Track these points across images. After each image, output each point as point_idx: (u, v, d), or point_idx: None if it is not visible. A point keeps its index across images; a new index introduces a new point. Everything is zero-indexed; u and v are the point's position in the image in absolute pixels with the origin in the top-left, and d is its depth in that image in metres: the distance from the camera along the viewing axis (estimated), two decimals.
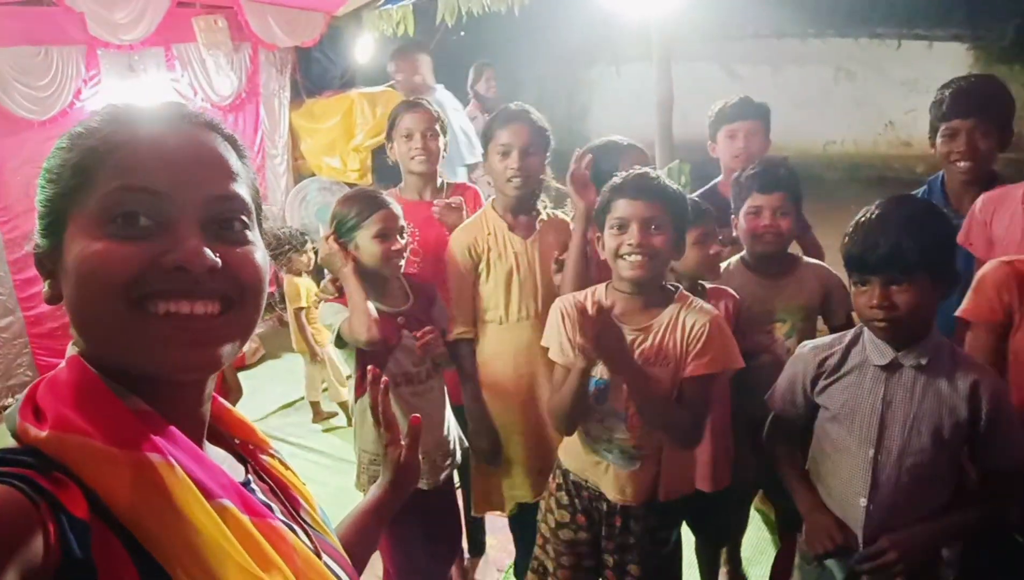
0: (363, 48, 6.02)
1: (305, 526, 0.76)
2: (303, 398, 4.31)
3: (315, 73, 6.03)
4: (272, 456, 0.82)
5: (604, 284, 1.85)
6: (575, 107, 11.01)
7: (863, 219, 1.56)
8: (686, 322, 1.74)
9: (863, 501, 1.58)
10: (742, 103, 2.66)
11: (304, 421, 4.14)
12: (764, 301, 2.16)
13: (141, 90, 4.88)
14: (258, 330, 3.70)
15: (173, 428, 0.63)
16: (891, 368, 1.57)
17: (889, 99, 9.37)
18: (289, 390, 4.46)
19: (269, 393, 4.49)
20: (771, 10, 8.71)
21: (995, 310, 1.67)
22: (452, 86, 5.10)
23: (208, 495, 0.60)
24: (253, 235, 0.69)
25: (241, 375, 4.38)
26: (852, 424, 1.61)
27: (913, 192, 2.32)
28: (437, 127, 2.53)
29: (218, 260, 0.63)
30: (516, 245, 2.23)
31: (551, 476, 1.98)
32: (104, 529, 0.55)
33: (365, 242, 2.03)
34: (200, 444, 0.69)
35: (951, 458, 1.57)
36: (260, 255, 0.69)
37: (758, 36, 9.90)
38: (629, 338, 1.74)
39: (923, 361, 1.54)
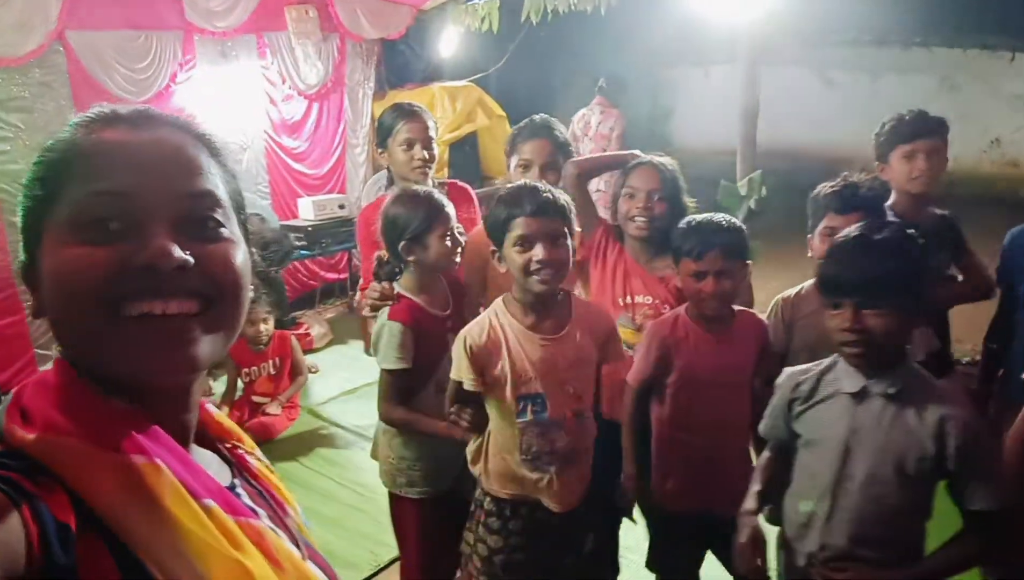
0: (447, 42, 6.06)
1: (291, 531, 0.75)
2: (366, 385, 4.38)
3: (399, 65, 6.11)
4: (260, 460, 0.81)
5: (501, 300, 1.85)
6: (658, 109, 10.83)
7: (840, 242, 1.59)
8: (594, 323, 1.87)
9: (816, 523, 1.58)
10: (920, 119, 2.38)
11: (363, 409, 4.20)
12: None
13: (232, 76, 5.04)
14: (328, 315, 3.81)
15: (158, 429, 0.63)
16: (861, 396, 1.54)
17: (997, 115, 8.83)
18: (353, 376, 4.53)
19: (332, 378, 4.58)
20: (873, 16, 8.33)
21: None
22: (534, 84, 5.07)
23: (193, 496, 0.60)
24: (229, 232, 0.68)
25: (307, 359, 4.50)
26: (819, 450, 1.60)
27: None
28: (432, 134, 2.51)
29: (188, 257, 0.63)
30: None
31: (473, 506, 1.94)
32: (89, 533, 0.55)
33: (436, 243, 2.02)
34: (186, 448, 0.69)
35: (919, 493, 1.52)
36: (238, 252, 0.68)
37: (857, 43, 9.49)
38: (545, 346, 1.78)
39: (892, 390, 1.51)
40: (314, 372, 4.62)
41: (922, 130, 2.32)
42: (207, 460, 0.73)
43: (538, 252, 1.72)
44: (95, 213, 0.62)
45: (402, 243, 2.02)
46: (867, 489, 1.52)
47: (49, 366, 0.66)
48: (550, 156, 2.21)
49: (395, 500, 2.16)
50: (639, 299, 2.21)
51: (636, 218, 2.17)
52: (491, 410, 1.85)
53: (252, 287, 0.71)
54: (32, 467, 0.56)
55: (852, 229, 1.60)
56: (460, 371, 1.83)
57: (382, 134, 2.55)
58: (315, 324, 5.21)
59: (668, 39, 8.35)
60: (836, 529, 1.55)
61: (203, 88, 4.86)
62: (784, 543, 1.71)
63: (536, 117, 2.31)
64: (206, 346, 0.66)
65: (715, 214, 2.05)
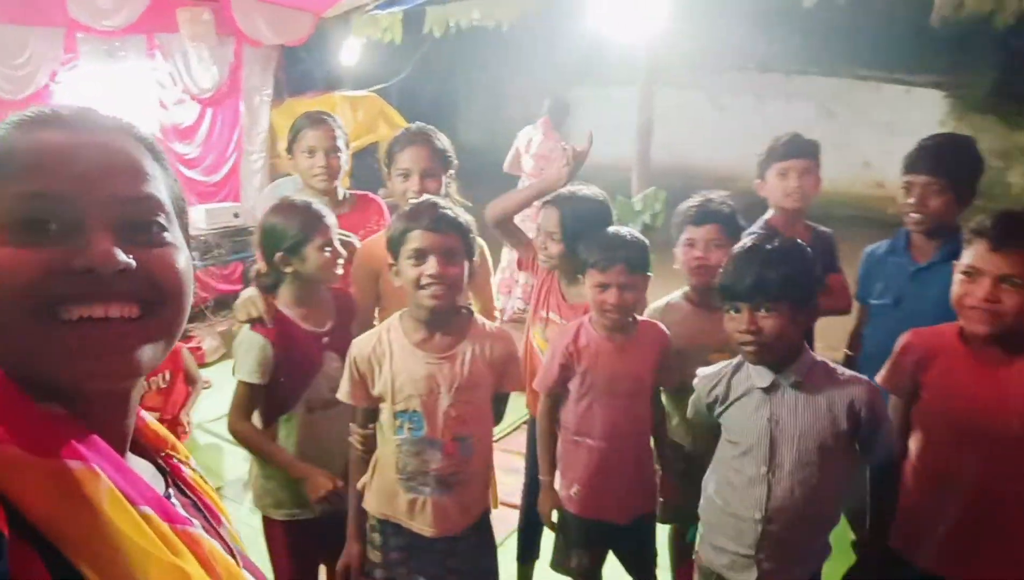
0: (349, 51, 6.00)
1: (225, 541, 0.74)
2: None
3: (299, 73, 6.01)
4: (194, 470, 0.80)
5: (398, 314, 1.86)
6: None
7: (735, 252, 1.73)
8: (490, 347, 1.85)
9: (757, 515, 1.68)
10: (794, 141, 2.52)
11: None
12: (706, 333, 2.12)
13: (120, 76, 4.81)
14: (221, 328, 3.63)
15: (94, 436, 0.61)
16: (772, 389, 1.69)
17: (867, 140, 9.55)
18: None
19: (227, 391, 4.40)
20: (758, 44, 8.86)
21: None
22: (436, 96, 5.10)
23: (130, 502, 0.58)
24: (172, 237, 0.67)
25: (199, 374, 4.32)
26: (746, 445, 1.72)
27: (881, 241, 2.38)
28: (340, 143, 2.50)
29: (131, 261, 0.62)
30: None
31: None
32: (19, 540, 0.53)
33: (313, 254, 1.97)
34: (122, 455, 0.67)
35: (840, 468, 1.67)
36: (180, 257, 0.68)
37: (744, 68, 10.06)
38: (430, 364, 1.78)
39: (800, 378, 1.66)
40: (206, 387, 4.43)
41: (795, 151, 2.48)
42: (142, 468, 0.71)
43: (430, 266, 1.72)
44: (33, 214, 0.60)
45: (278, 254, 1.96)
46: (795, 473, 1.65)
47: None
48: (428, 163, 2.22)
49: (265, 521, 2.07)
50: (552, 317, 2.29)
51: (540, 255, 2.27)
52: (379, 427, 1.85)
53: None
54: None
55: (747, 240, 1.75)
56: (343, 385, 1.83)
57: (289, 139, 2.53)
58: (207, 337, 5.01)
59: (570, 59, 8.57)
60: (776, 518, 1.67)
61: (87, 88, 4.60)
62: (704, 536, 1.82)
63: (412, 126, 2.33)
64: (147, 352, 0.64)
65: (621, 228, 2.14)
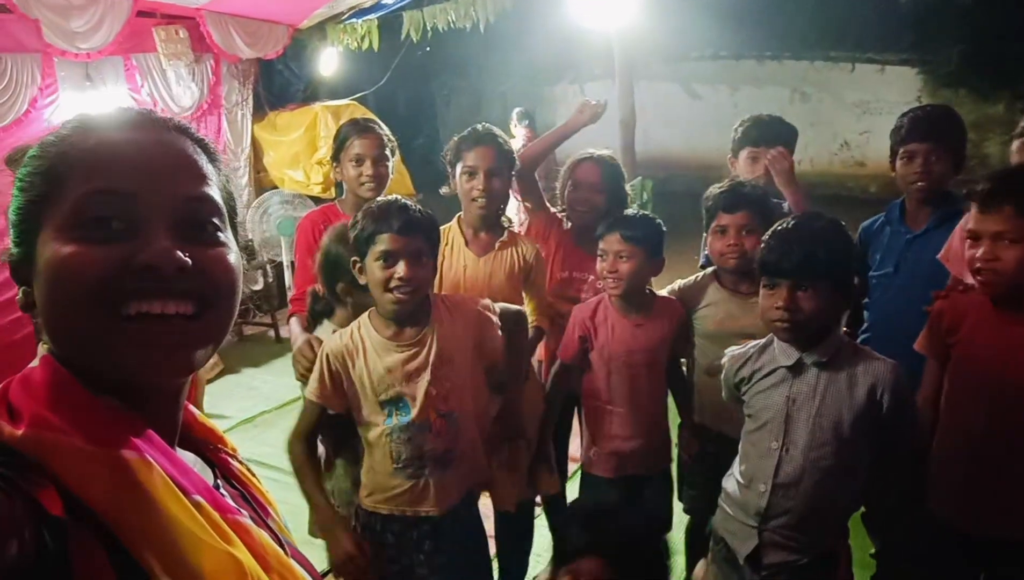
0: (327, 61, 6.00)
1: (273, 532, 0.76)
2: (262, 413, 4.25)
3: (278, 85, 6.00)
4: (241, 463, 0.82)
5: (368, 313, 1.88)
6: (538, 124, 11.11)
7: (779, 229, 1.72)
8: (461, 324, 1.89)
9: (763, 487, 1.71)
10: (769, 126, 2.62)
11: (264, 437, 4.08)
12: (735, 317, 2.18)
13: (99, 100, 4.79)
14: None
15: (148, 427, 0.63)
16: (796, 368, 1.71)
17: (843, 120, 9.66)
18: (248, 405, 4.39)
19: (227, 409, 4.41)
20: (728, 32, 8.94)
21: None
22: (414, 100, 5.13)
23: (182, 492, 0.60)
24: (226, 237, 0.69)
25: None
26: (763, 421, 1.75)
27: (876, 216, 2.43)
28: (387, 152, 2.52)
29: (188, 260, 0.63)
30: (468, 260, 2.29)
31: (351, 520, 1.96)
32: (80, 527, 0.55)
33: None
34: (172, 447, 0.69)
35: (856, 451, 1.68)
36: (234, 257, 0.70)
37: (717, 57, 10.14)
38: (404, 353, 1.80)
39: (824, 359, 1.68)
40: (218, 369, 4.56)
41: (764, 138, 2.57)
42: (191, 461, 0.73)
43: (400, 269, 1.74)
44: (97, 211, 0.62)
45: (340, 285, 1.98)
46: (808, 451, 1.67)
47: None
48: (494, 162, 2.26)
49: None
50: (576, 274, 2.50)
51: (576, 208, 2.48)
52: (361, 431, 1.87)
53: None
54: (21, 463, 0.55)
55: (791, 218, 1.76)
56: (311, 383, 1.85)
57: (336, 148, 2.55)
58: None
59: (547, 58, 8.62)
60: (781, 493, 1.70)
61: (68, 114, 4.58)
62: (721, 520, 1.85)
63: (479, 126, 2.37)
64: (200, 348, 0.66)
65: (635, 210, 2.38)
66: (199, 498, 0.62)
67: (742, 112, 2.87)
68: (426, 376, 1.82)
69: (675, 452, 2.36)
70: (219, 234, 0.69)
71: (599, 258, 2.18)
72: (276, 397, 4.43)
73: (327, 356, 1.83)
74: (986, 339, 1.71)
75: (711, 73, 10.23)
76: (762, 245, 1.74)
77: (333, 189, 5.61)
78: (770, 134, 2.57)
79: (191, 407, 0.78)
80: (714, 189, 2.25)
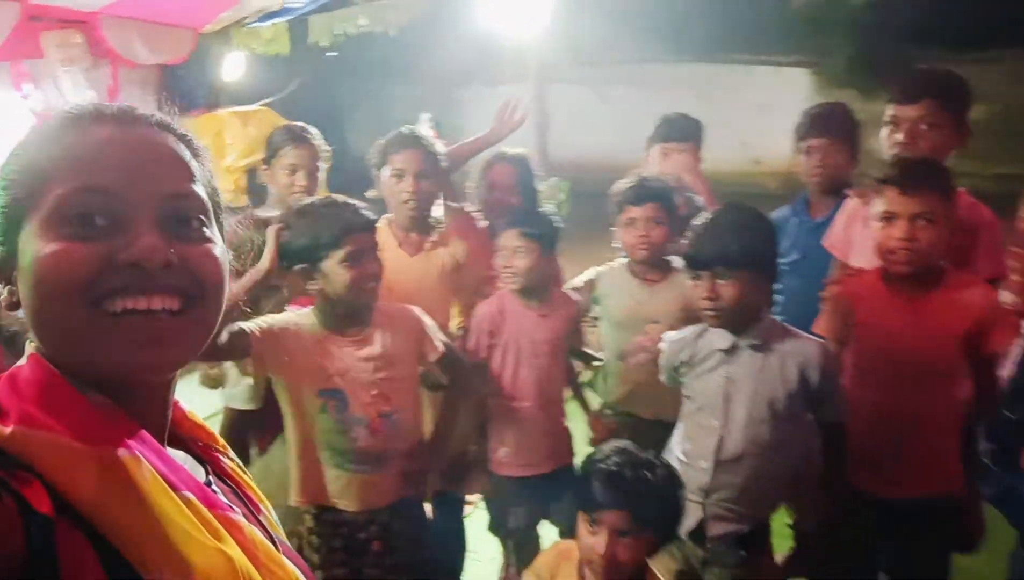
0: (233, 66, 5.85)
1: (265, 529, 0.76)
2: (214, 413, 4.16)
3: (183, 91, 5.80)
4: (232, 460, 0.81)
5: (311, 308, 1.91)
6: (449, 128, 11.13)
7: (699, 223, 1.83)
8: (399, 326, 1.94)
9: (706, 464, 1.80)
10: (677, 124, 2.77)
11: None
12: (644, 304, 2.30)
13: None
14: None
15: (135, 424, 0.63)
16: (732, 351, 1.80)
17: (744, 120, 10.08)
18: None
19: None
20: (635, 37, 9.21)
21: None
22: (324, 105, 5.08)
23: (172, 488, 0.61)
24: (211, 233, 0.70)
25: None
26: (703, 402, 1.84)
27: (783, 206, 2.59)
28: (319, 162, 2.54)
29: (173, 256, 0.63)
30: (400, 260, 2.29)
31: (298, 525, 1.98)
32: (68, 525, 0.55)
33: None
34: (161, 444, 0.69)
35: (791, 425, 1.80)
36: (220, 252, 0.70)
37: (624, 61, 10.42)
38: (342, 348, 1.86)
39: (757, 341, 1.78)
40: None
41: (673, 133, 2.74)
42: (181, 458, 0.73)
43: (371, 267, 1.81)
44: (81, 209, 0.62)
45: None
46: (746, 428, 1.77)
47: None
48: (423, 165, 2.30)
49: None
50: (495, 274, 2.53)
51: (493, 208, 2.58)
52: (289, 420, 1.86)
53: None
54: (8, 461, 0.55)
55: (711, 212, 1.86)
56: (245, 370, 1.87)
57: (268, 153, 2.52)
58: None
59: (458, 61, 8.64)
60: (724, 469, 1.80)
61: None
62: None
63: (404, 129, 2.39)
64: (186, 344, 0.66)
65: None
66: (189, 494, 0.62)
67: (652, 114, 3.00)
68: (368, 374, 1.84)
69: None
70: (204, 230, 0.69)
71: (499, 254, 2.26)
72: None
73: (259, 327, 1.79)
74: (884, 317, 1.86)
75: (620, 77, 10.51)
76: (686, 239, 1.83)
77: (244, 196, 5.47)
78: (679, 131, 2.71)
79: (181, 404, 0.77)
80: (621, 184, 2.35)
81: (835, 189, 2.43)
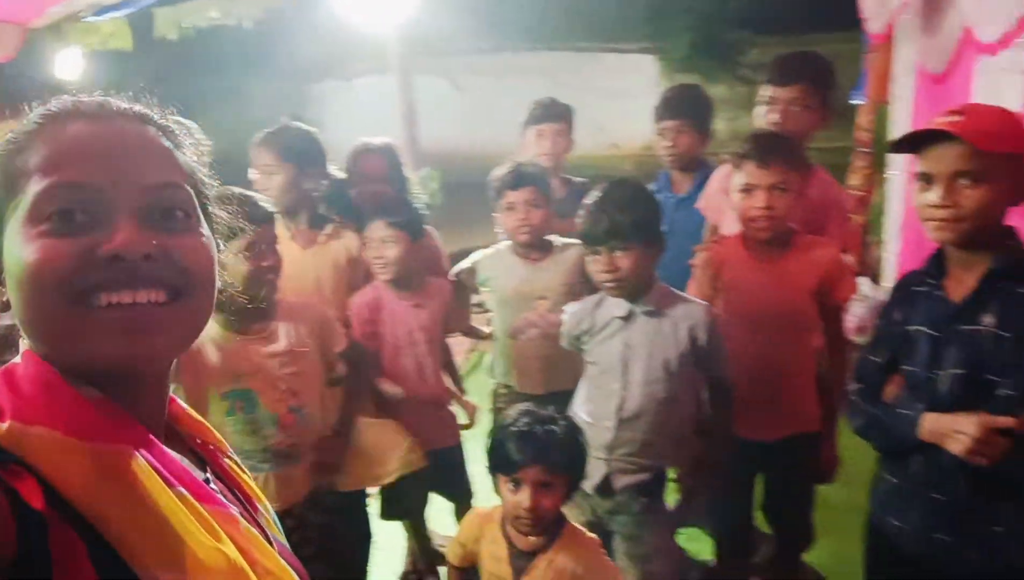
0: (68, 63, 5.45)
1: (262, 528, 0.75)
2: None
3: (12, 91, 5.32)
4: (231, 459, 0.81)
5: None
6: (307, 122, 10.82)
7: (590, 200, 1.93)
8: (303, 319, 1.96)
9: (610, 423, 1.93)
10: (549, 106, 2.85)
11: None
12: (530, 282, 2.39)
13: None
14: None
15: (130, 418, 0.63)
16: (629, 318, 1.93)
17: (597, 106, 10.50)
18: None
19: None
20: (487, 27, 9.36)
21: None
22: (174, 102, 4.85)
23: (166, 483, 0.60)
24: (195, 223, 0.69)
25: None
26: (604, 366, 1.96)
27: (650, 183, 2.78)
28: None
29: (155, 246, 0.63)
30: (293, 253, 2.29)
31: None
32: (60, 521, 0.54)
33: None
34: (158, 439, 0.68)
35: (684, 381, 1.95)
36: (204, 243, 0.69)
37: (479, 51, 10.57)
38: (244, 345, 1.85)
39: (651, 307, 1.92)
40: None
41: (548, 115, 2.83)
42: (179, 455, 0.71)
43: (271, 259, 1.81)
44: (60, 204, 0.61)
45: None
46: (644, 387, 1.90)
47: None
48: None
49: None
50: None
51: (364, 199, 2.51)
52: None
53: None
54: (2, 456, 0.55)
55: (599, 189, 1.93)
56: None
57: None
58: None
59: (313, 55, 8.45)
60: (625, 426, 1.92)
61: None
62: None
63: (288, 122, 2.44)
64: (175, 335, 0.65)
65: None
66: (184, 490, 0.62)
67: (508, 102, 3.10)
68: (276, 370, 1.83)
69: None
70: (188, 221, 0.68)
71: (368, 246, 2.27)
72: None
73: None
74: (746, 278, 2.06)
75: (476, 66, 10.66)
76: (579, 216, 1.93)
77: None
78: (552, 112, 2.83)
79: (180, 402, 0.77)
80: (498, 170, 2.41)
81: (692, 166, 2.64)
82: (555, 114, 2.85)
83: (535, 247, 2.43)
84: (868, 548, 1.73)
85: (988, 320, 1.42)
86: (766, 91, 2.35)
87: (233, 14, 4.77)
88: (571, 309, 2.07)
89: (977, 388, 1.43)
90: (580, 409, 2.01)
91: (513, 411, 1.72)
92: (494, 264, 2.45)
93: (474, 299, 2.75)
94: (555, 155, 2.81)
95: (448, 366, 2.58)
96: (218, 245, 0.73)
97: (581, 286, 2.38)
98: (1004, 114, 1.49)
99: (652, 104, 2.72)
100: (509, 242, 2.47)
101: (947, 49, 3.11)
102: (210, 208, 0.74)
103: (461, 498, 2.53)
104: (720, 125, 2.72)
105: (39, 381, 0.61)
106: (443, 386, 2.46)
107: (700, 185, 2.58)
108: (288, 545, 0.80)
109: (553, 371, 2.34)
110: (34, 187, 0.62)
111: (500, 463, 1.63)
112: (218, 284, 0.71)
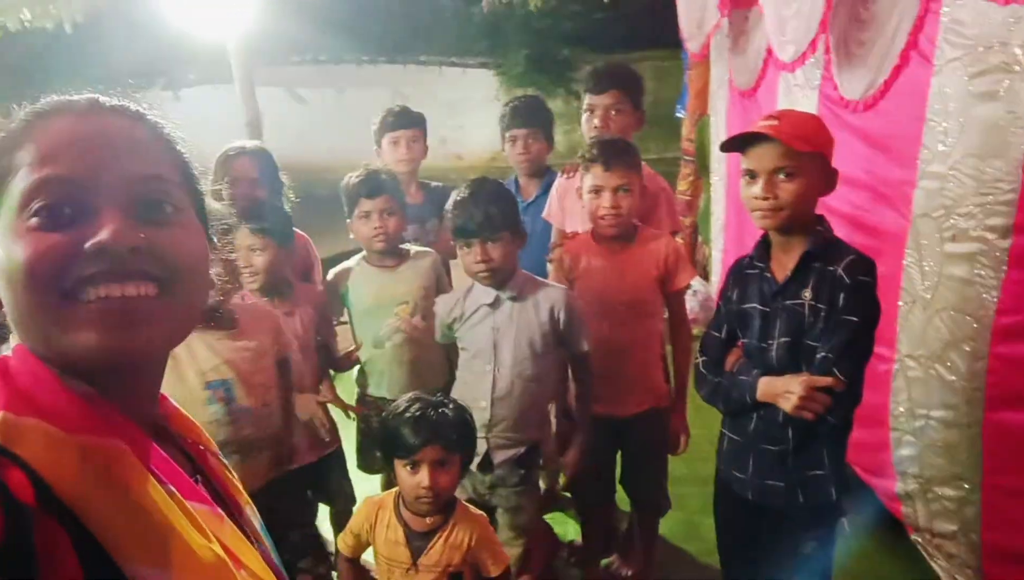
0: None
1: (246, 531, 0.76)
2: None
3: None
4: (219, 460, 0.80)
5: None
6: None
7: (459, 197, 2.04)
8: (263, 326, 2.06)
9: (484, 403, 2.06)
10: (403, 114, 2.92)
11: None
12: (388, 287, 2.44)
13: None
14: None
15: (121, 414, 0.63)
16: (495, 304, 2.08)
17: (440, 118, 10.63)
18: None
19: None
20: (328, 38, 9.26)
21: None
22: None
23: (157, 480, 0.61)
24: (183, 216, 0.69)
25: None
26: (474, 350, 2.11)
27: None
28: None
29: (141, 238, 0.63)
30: None
31: None
32: (46, 515, 0.54)
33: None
34: (148, 437, 0.68)
35: (547, 360, 2.12)
36: (192, 235, 0.69)
37: (317, 62, 10.41)
38: (227, 343, 1.95)
39: (515, 293, 2.07)
40: None
41: (403, 122, 2.91)
42: (168, 453, 0.71)
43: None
44: (47, 199, 0.61)
45: None
46: (513, 367, 2.05)
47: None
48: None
49: None
50: None
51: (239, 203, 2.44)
52: None
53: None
54: None
55: (465, 187, 2.05)
56: None
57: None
58: None
59: (134, 63, 7.95)
60: (499, 405, 2.06)
61: None
62: None
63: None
64: (165, 328, 0.65)
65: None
66: (172, 487, 0.62)
67: (348, 113, 3.14)
68: (250, 363, 1.93)
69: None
70: (175, 214, 0.68)
71: (236, 255, 2.19)
72: None
73: None
74: (596, 269, 2.27)
75: (315, 77, 10.49)
76: (447, 213, 2.05)
77: None
78: (406, 119, 2.93)
79: (171, 401, 0.76)
80: (351, 178, 2.43)
81: (539, 173, 2.82)
82: (409, 121, 2.93)
83: (391, 254, 2.47)
84: (717, 499, 1.97)
85: (806, 294, 1.68)
86: (585, 99, 2.59)
87: (50, 16, 4.44)
88: (442, 300, 2.20)
89: (800, 353, 1.68)
90: (457, 395, 2.12)
91: (401, 400, 1.80)
92: (351, 276, 2.47)
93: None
94: (411, 160, 2.88)
95: (324, 376, 2.51)
96: (211, 239, 0.74)
97: (439, 291, 2.47)
98: (812, 119, 1.79)
99: (492, 116, 2.87)
100: (361, 255, 2.49)
101: (755, 68, 3.53)
102: (203, 200, 0.76)
103: (342, 501, 2.53)
104: (557, 137, 2.92)
105: (29, 375, 0.62)
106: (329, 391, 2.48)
107: (545, 190, 2.77)
108: (271, 548, 0.81)
109: (422, 374, 2.41)
110: (20, 183, 0.62)
111: (397, 448, 1.71)
112: (206, 276, 0.71)
